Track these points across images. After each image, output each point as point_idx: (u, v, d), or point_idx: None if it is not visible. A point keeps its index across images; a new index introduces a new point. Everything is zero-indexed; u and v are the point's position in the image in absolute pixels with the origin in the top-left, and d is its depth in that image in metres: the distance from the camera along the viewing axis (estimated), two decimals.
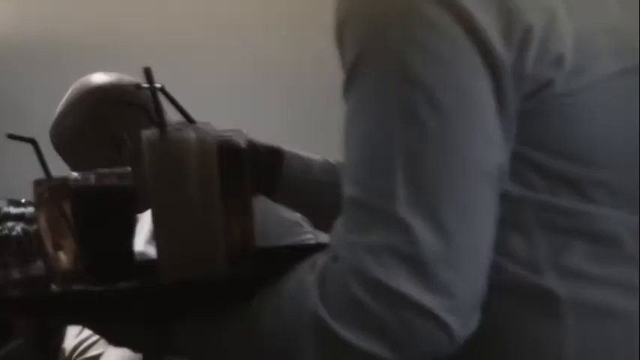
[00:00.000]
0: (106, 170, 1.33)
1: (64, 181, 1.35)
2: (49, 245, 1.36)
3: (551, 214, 1.14)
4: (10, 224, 2.59)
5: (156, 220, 1.27)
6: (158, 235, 1.27)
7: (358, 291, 1.07)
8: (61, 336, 1.51)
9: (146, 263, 1.35)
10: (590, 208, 1.15)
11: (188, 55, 3.52)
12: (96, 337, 2.48)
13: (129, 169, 1.34)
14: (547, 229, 1.14)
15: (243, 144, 1.34)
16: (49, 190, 1.36)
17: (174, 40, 3.53)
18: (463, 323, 1.08)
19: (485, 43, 1.10)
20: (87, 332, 1.59)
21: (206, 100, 2.63)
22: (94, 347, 2.65)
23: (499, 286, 1.13)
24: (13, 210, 2.61)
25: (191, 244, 1.25)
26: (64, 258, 1.35)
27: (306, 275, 1.13)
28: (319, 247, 1.17)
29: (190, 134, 1.25)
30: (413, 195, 1.07)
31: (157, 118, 1.25)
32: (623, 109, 1.19)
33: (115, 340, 1.34)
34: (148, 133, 1.26)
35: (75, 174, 1.33)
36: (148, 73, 1.25)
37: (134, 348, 1.35)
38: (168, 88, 1.28)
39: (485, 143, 1.10)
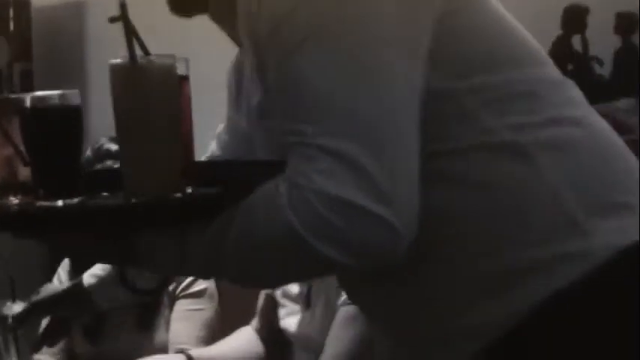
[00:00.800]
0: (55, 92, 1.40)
1: (5, 100, 1.41)
2: None
3: (484, 91, 1.35)
4: (109, 162, 2.57)
5: (123, 145, 1.35)
6: (124, 160, 1.35)
7: (319, 206, 1.25)
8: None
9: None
10: (513, 75, 1.38)
11: None
12: None
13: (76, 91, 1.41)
14: (487, 104, 1.35)
15: (186, 72, 1.40)
16: None
17: None
18: (406, 225, 1.27)
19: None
20: None
21: None
22: (198, 282, 2.68)
23: (475, 161, 1.34)
24: (114, 147, 2.59)
25: (155, 168, 1.33)
26: (5, 172, 1.41)
27: (274, 197, 1.28)
28: (268, 164, 1.34)
29: (157, 63, 1.34)
30: (352, 132, 1.26)
31: (128, 48, 1.32)
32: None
33: (73, 255, 1.46)
34: (115, 63, 1.33)
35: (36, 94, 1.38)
36: (122, 7, 1.32)
37: (94, 260, 1.47)
38: None
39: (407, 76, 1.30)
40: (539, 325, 1.33)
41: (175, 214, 1.35)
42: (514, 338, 1.33)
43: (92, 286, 1.91)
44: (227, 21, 1.44)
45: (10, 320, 2.11)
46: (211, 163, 1.58)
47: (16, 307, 2.13)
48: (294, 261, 1.30)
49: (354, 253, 1.27)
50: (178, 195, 1.34)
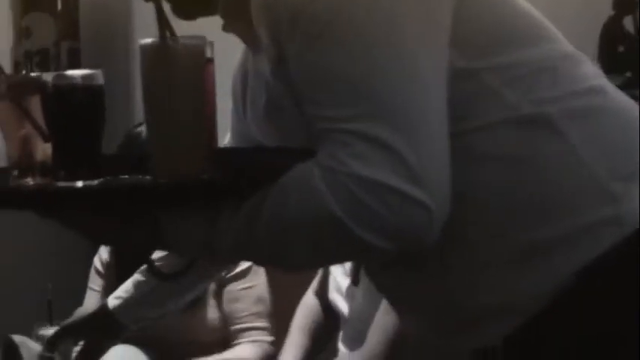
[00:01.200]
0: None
1: (25, 78, 1.42)
2: (8, 140, 1.42)
3: (505, 69, 1.37)
4: None
5: (150, 125, 1.38)
6: (151, 140, 1.37)
7: (356, 190, 1.26)
8: None
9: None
10: (531, 52, 1.39)
11: None
12: None
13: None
14: (509, 81, 1.37)
15: (210, 53, 1.41)
16: (7, 86, 1.41)
17: None
18: (440, 206, 1.28)
19: None
20: None
21: None
22: (239, 263, 2.69)
23: (501, 136, 1.35)
24: None
25: (180, 148, 1.35)
26: (22, 152, 1.41)
27: (308, 180, 1.28)
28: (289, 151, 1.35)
29: (184, 44, 1.35)
30: (383, 115, 1.27)
31: (159, 27, 1.34)
32: None
33: (97, 238, 1.46)
34: (145, 44, 1.35)
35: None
36: None
37: (117, 245, 1.47)
38: None
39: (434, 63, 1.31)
40: (571, 300, 1.33)
41: (200, 196, 1.35)
42: (545, 316, 1.33)
43: (117, 308, 1.93)
44: (239, 19, 1.43)
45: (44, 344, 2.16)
46: (231, 150, 1.58)
47: (52, 331, 2.17)
48: (329, 244, 1.30)
49: (391, 236, 1.27)
50: (203, 177, 1.35)
